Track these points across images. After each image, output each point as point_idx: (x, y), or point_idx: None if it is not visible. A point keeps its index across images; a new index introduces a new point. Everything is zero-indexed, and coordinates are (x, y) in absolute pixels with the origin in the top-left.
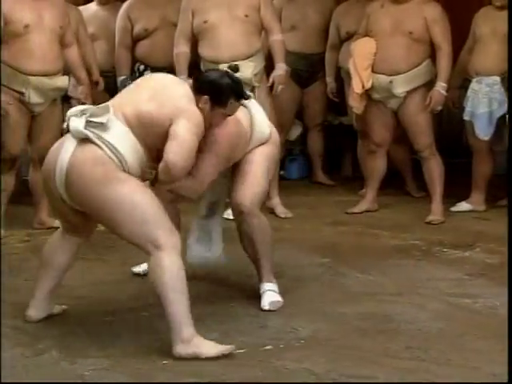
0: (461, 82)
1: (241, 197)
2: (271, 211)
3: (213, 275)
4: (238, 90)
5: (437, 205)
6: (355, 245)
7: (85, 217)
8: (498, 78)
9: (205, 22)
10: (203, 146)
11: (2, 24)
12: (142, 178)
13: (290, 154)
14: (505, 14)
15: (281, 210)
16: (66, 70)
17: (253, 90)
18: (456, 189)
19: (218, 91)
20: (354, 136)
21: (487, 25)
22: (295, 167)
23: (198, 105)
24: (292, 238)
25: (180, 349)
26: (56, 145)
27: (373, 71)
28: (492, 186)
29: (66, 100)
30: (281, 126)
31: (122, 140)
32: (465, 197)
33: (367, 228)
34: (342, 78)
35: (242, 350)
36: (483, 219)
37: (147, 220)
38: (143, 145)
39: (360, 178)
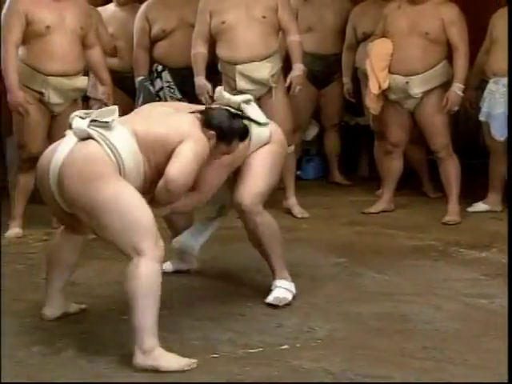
0: (478, 83)
1: (241, 196)
2: (288, 211)
3: (228, 275)
4: (245, 133)
5: (453, 205)
6: (372, 245)
7: (75, 217)
8: None
9: (222, 22)
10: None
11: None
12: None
13: (307, 154)
14: None
15: (297, 210)
16: (87, 71)
17: (270, 90)
18: (472, 189)
19: (226, 132)
20: (370, 136)
21: (504, 26)
22: (312, 167)
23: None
24: (308, 238)
25: (140, 359)
26: (55, 143)
27: (389, 72)
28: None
29: (86, 100)
30: (297, 126)
31: (125, 144)
32: (481, 197)
33: (384, 228)
34: (359, 79)
35: (258, 350)
36: (500, 219)
37: (133, 224)
38: (145, 160)
39: (376, 179)
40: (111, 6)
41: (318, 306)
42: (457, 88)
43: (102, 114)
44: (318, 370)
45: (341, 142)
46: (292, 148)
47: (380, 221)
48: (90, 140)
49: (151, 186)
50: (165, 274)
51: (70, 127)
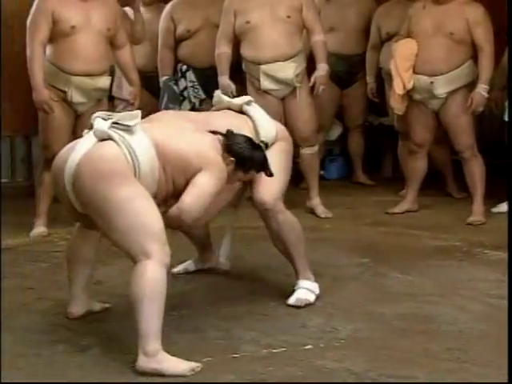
0: (504, 84)
1: (262, 196)
2: (311, 211)
3: (251, 274)
4: (264, 165)
5: (478, 206)
6: (395, 245)
7: (88, 217)
8: None
9: (247, 22)
10: None
11: None
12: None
13: (330, 154)
14: None
15: (321, 210)
16: (112, 71)
17: (294, 90)
18: (497, 190)
19: (246, 160)
20: (394, 136)
21: None
22: (335, 167)
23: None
24: (332, 238)
25: (142, 362)
26: (72, 143)
27: (414, 72)
28: None
29: (111, 100)
30: (320, 126)
31: (143, 149)
32: (506, 198)
33: (407, 228)
34: (382, 79)
35: (281, 350)
36: None
37: (144, 227)
38: (161, 168)
39: (400, 179)
40: None
41: (341, 306)
42: (481, 89)
43: (124, 118)
44: (341, 370)
45: (365, 143)
46: (316, 148)
47: (404, 221)
48: (109, 141)
49: (163, 197)
50: (187, 273)
51: (91, 127)
